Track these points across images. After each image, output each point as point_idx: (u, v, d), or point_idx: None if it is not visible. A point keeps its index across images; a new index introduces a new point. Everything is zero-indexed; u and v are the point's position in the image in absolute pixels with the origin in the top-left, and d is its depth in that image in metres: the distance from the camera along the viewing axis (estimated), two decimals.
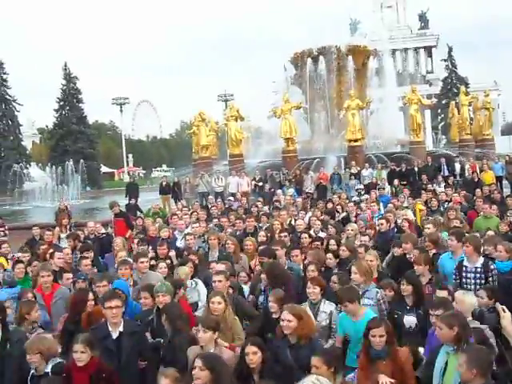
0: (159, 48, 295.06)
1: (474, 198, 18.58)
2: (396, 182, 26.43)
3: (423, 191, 21.43)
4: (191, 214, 18.46)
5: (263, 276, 9.55)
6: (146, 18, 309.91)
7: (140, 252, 11.84)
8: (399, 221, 14.51)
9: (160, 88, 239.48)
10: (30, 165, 75.56)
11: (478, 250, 9.35)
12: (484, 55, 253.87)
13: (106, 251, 14.44)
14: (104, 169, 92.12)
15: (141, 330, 7.79)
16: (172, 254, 12.16)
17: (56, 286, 9.96)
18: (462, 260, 9.49)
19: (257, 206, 19.94)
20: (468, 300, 7.27)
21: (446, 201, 18.61)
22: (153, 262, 11.43)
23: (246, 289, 10.46)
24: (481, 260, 9.34)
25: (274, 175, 31.74)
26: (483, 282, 9.12)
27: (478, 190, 19.99)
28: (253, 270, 11.58)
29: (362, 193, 23.69)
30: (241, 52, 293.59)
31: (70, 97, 78.83)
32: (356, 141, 35.65)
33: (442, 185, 25.22)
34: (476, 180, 25.15)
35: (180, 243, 14.33)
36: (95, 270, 11.69)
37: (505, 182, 30.59)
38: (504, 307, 5.70)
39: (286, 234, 13.02)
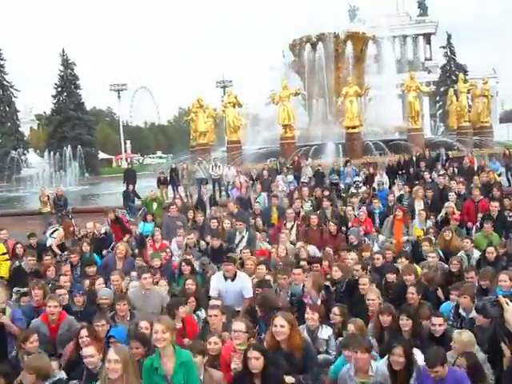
0: (157, 34, 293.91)
1: (472, 186, 18.53)
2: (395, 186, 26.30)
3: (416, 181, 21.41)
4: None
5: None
6: (143, 4, 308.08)
7: (143, 268, 11.56)
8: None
9: (158, 74, 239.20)
10: (27, 151, 75.69)
11: (473, 300, 8.98)
12: (483, 43, 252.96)
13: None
14: (102, 155, 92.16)
15: None
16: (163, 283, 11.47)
17: (63, 315, 9.52)
18: (458, 306, 9.28)
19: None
20: (466, 338, 7.49)
21: (444, 188, 18.55)
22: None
23: None
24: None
25: (271, 167, 31.42)
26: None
27: (476, 178, 19.92)
28: None
29: (360, 185, 23.50)
30: (239, 38, 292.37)
31: (68, 83, 78.72)
32: (354, 128, 35.60)
33: (442, 172, 25.14)
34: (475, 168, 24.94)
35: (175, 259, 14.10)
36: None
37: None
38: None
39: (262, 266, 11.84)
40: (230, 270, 10.66)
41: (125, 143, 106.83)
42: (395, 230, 15.69)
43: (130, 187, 26.69)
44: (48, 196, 25.68)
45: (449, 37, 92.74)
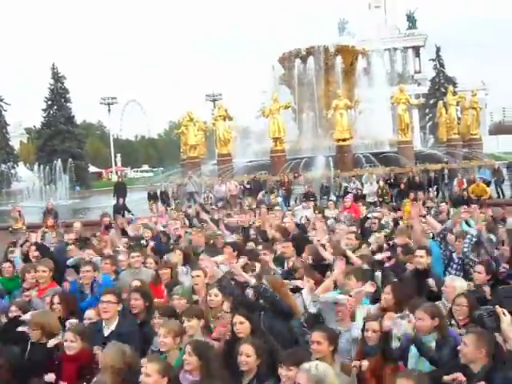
0: (147, 47, 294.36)
1: None
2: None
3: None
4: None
5: None
6: (133, 18, 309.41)
7: (133, 247, 11.94)
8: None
9: (148, 88, 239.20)
10: (17, 165, 75.37)
11: None
12: (472, 55, 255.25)
13: None
14: (92, 169, 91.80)
15: (133, 330, 7.52)
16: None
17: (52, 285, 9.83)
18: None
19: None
20: (459, 285, 7.53)
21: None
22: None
23: None
24: None
25: (259, 180, 31.51)
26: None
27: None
28: None
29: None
30: (229, 52, 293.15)
31: (58, 96, 78.48)
32: (344, 140, 35.69)
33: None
34: (465, 197, 24.84)
35: None
36: None
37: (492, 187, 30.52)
38: (504, 310, 5.71)
39: None
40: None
41: (115, 156, 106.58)
42: None
43: (121, 201, 26.64)
44: (19, 211, 25.27)
45: (438, 49, 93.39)
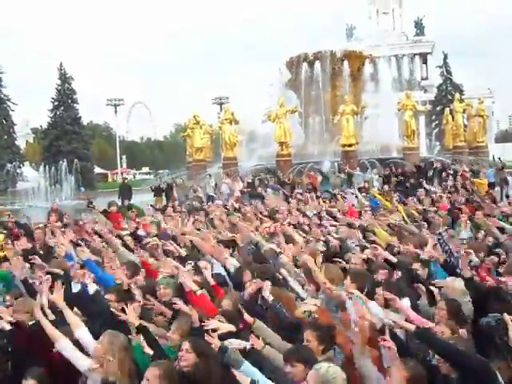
0: (154, 49, 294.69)
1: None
2: (386, 187, 26.44)
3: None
4: None
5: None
6: (141, 19, 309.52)
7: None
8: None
9: (155, 90, 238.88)
10: (23, 164, 75.42)
11: None
12: (479, 63, 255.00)
13: None
14: (97, 170, 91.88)
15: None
16: None
17: None
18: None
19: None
20: (457, 286, 7.57)
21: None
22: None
23: None
24: None
25: (264, 179, 31.58)
26: None
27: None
28: None
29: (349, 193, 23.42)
30: (236, 55, 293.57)
31: (65, 97, 78.58)
32: (350, 146, 35.72)
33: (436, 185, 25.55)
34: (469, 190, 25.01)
35: None
36: None
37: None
38: None
39: None
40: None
41: (121, 158, 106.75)
42: None
43: (126, 202, 26.64)
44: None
45: (445, 56, 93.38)
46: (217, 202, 23.40)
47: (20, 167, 71.77)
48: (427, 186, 24.68)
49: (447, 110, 46.65)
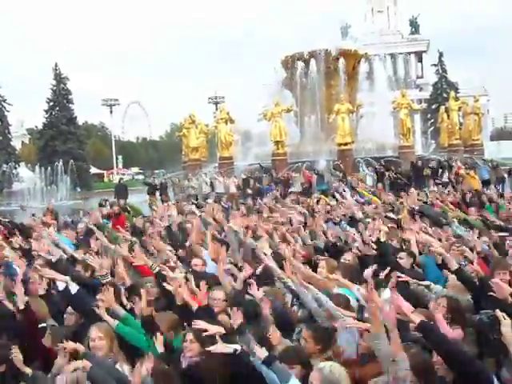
0: (149, 49, 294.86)
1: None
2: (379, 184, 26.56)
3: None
4: None
5: None
6: (135, 19, 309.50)
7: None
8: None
9: (150, 89, 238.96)
10: (18, 165, 75.32)
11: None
12: (474, 61, 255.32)
13: None
14: (93, 170, 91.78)
15: None
16: None
17: None
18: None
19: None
20: (459, 282, 7.58)
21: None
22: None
23: None
24: None
25: (258, 177, 31.70)
26: None
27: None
28: None
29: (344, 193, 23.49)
30: (231, 54, 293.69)
31: (60, 97, 78.49)
32: (346, 145, 35.76)
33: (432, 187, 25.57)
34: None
35: None
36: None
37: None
38: (504, 314, 5.70)
39: None
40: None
41: (116, 158, 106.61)
42: None
43: (121, 202, 26.57)
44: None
45: (440, 55, 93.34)
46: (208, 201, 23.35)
47: (15, 168, 71.68)
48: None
49: (442, 108, 46.61)
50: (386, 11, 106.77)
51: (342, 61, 40.69)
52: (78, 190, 66.59)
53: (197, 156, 40.33)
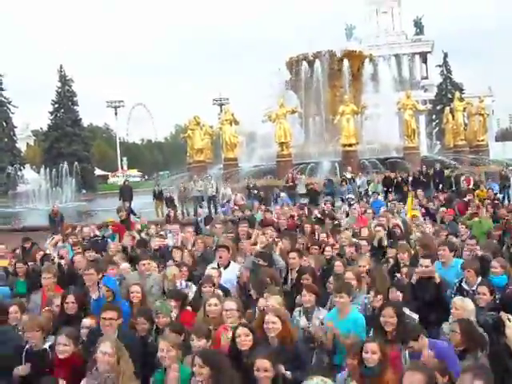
0: (154, 51, 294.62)
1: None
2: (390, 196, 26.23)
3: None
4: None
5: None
6: (141, 21, 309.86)
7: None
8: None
9: (155, 91, 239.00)
10: (23, 167, 75.40)
11: (477, 274, 8.96)
12: (479, 62, 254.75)
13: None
14: (98, 172, 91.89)
15: (131, 344, 6.93)
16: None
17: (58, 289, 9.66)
18: (461, 281, 9.27)
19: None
20: (469, 306, 7.38)
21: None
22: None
23: None
24: (478, 280, 9.12)
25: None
26: None
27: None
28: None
29: (352, 203, 23.13)
30: (236, 56, 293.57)
31: (65, 99, 78.63)
32: (350, 146, 35.70)
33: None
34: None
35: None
36: None
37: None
38: (509, 316, 5.65)
39: None
40: (223, 257, 10.54)
41: (121, 160, 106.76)
42: None
43: (126, 204, 26.55)
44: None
45: (445, 55, 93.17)
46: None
47: (21, 170, 71.75)
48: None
49: (447, 108, 46.58)
50: (390, 12, 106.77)
51: (346, 62, 40.68)
52: (83, 191, 66.65)
53: (201, 157, 40.34)
